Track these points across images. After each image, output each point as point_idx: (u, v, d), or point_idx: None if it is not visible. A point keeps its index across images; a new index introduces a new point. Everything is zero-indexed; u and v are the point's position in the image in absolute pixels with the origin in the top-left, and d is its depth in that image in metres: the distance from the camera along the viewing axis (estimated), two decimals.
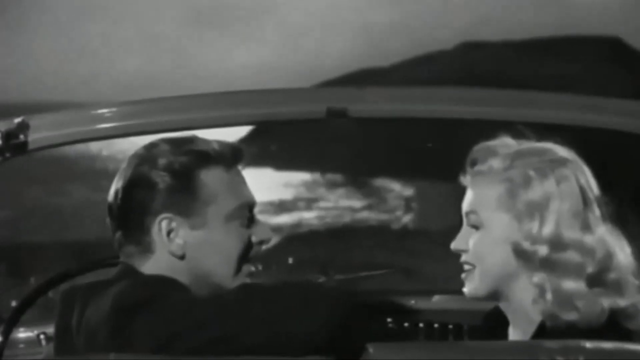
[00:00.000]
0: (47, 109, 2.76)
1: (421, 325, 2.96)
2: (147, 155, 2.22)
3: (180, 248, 2.18)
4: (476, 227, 2.26)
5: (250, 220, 2.24)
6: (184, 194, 2.18)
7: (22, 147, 2.60)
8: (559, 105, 2.74)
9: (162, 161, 2.19)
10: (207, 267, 2.19)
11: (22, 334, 3.09)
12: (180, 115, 2.71)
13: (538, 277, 2.18)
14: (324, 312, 2.07)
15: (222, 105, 2.76)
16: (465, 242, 2.27)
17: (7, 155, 2.59)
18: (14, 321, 2.89)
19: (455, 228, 2.31)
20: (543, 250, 2.18)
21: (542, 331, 2.19)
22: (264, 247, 2.27)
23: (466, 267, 2.27)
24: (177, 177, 2.18)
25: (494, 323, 2.33)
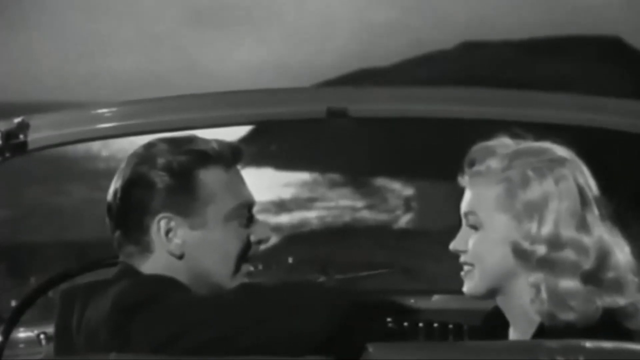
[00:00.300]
0: (47, 109, 2.76)
1: (421, 325, 2.96)
2: (146, 155, 2.22)
3: (178, 248, 2.18)
4: (475, 227, 2.26)
5: (249, 220, 2.24)
6: (182, 194, 2.18)
7: (22, 147, 2.60)
8: (558, 105, 2.74)
9: (161, 161, 2.19)
10: (205, 266, 2.19)
11: (22, 333, 3.09)
12: (180, 115, 2.71)
13: (535, 277, 2.18)
14: (323, 312, 2.07)
15: (222, 105, 2.76)
16: (465, 242, 2.27)
17: (7, 155, 2.59)
18: (14, 321, 2.89)
19: (455, 228, 2.31)
20: (542, 249, 2.18)
21: (542, 331, 2.19)
22: (262, 246, 2.27)
23: (466, 267, 2.27)
24: (176, 177, 2.18)
25: (494, 323, 2.34)
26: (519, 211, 2.20)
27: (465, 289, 2.28)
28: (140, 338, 2.01)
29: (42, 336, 3.07)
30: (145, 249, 2.19)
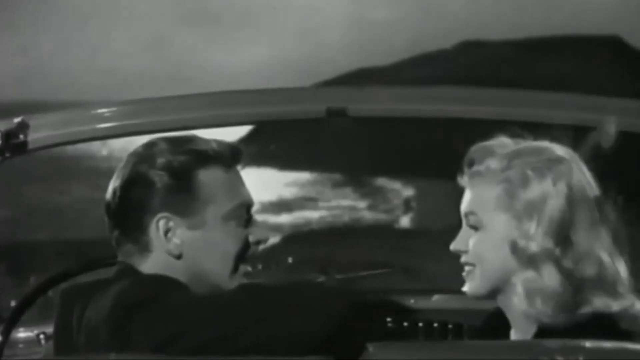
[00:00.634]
0: (47, 109, 2.76)
1: (421, 324, 2.96)
2: (145, 154, 2.22)
3: (177, 248, 2.18)
4: (475, 227, 2.25)
5: (248, 220, 2.24)
6: (182, 194, 2.18)
7: (22, 147, 2.61)
8: (558, 105, 2.74)
9: (160, 160, 2.19)
10: (204, 266, 2.19)
11: (22, 333, 3.09)
12: (180, 115, 2.71)
13: (529, 276, 2.18)
14: (323, 312, 2.07)
15: (222, 105, 2.76)
16: (465, 242, 2.26)
17: (7, 155, 2.59)
18: (13, 321, 2.90)
19: (455, 228, 2.31)
20: (534, 247, 2.18)
21: (543, 331, 2.19)
22: (261, 247, 2.27)
23: (467, 267, 2.27)
24: (176, 177, 2.18)
25: (495, 323, 2.33)
26: (519, 211, 2.20)
27: (467, 289, 2.27)
28: (140, 338, 2.01)
29: (41, 336, 3.07)
30: (144, 248, 2.19)
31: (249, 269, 2.24)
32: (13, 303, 2.96)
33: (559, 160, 2.23)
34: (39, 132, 2.62)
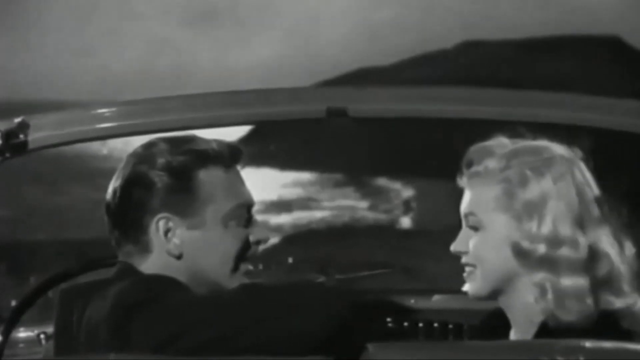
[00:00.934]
0: (47, 109, 2.76)
1: (421, 324, 2.96)
2: (145, 155, 2.22)
3: (177, 248, 2.18)
4: (475, 228, 2.25)
5: (248, 221, 2.24)
6: (182, 194, 2.18)
7: (22, 147, 2.60)
8: (558, 105, 2.74)
9: (160, 160, 2.19)
10: (204, 266, 2.19)
11: (22, 333, 3.09)
12: (180, 115, 2.71)
13: (539, 277, 2.18)
14: (323, 312, 2.07)
15: (222, 105, 2.76)
16: (465, 243, 2.26)
17: (7, 155, 2.59)
18: (14, 321, 2.90)
19: (455, 227, 2.31)
20: (542, 249, 2.17)
21: (544, 331, 2.19)
22: (261, 247, 2.27)
23: (467, 268, 2.27)
24: (176, 177, 2.18)
25: (495, 323, 2.33)
26: (519, 211, 2.20)
27: (468, 290, 2.27)
28: (140, 338, 2.01)
29: (42, 336, 3.07)
30: (144, 248, 2.19)
31: (250, 267, 2.24)
32: (13, 303, 2.96)
33: (558, 159, 2.23)
34: (39, 132, 2.62)
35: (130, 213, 2.19)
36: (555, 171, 2.21)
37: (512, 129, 2.32)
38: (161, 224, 2.17)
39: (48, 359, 2.96)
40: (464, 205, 2.28)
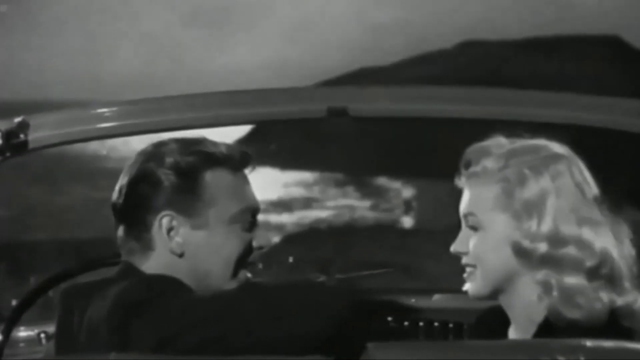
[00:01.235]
0: (48, 108, 2.76)
1: (421, 324, 2.96)
2: (155, 153, 2.23)
3: (179, 246, 2.18)
4: (475, 228, 2.25)
5: (252, 225, 2.25)
6: (187, 194, 2.19)
7: (23, 147, 2.61)
8: (558, 105, 2.74)
9: (169, 159, 2.21)
10: (205, 267, 2.19)
11: (23, 332, 3.09)
12: (180, 115, 2.71)
13: (542, 275, 2.18)
14: (324, 312, 2.07)
15: (222, 105, 2.76)
16: (465, 244, 2.26)
17: (8, 154, 2.59)
18: (14, 320, 2.90)
19: (455, 227, 2.31)
20: (543, 247, 2.17)
21: (544, 330, 2.19)
22: (262, 251, 2.28)
23: (468, 268, 2.27)
24: (182, 176, 2.19)
25: (492, 321, 2.33)
26: (518, 210, 2.20)
27: (469, 290, 2.27)
28: (141, 337, 2.01)
29: (42, 335, 3.07)
30: (147, 246, 2.20)
31: (249, 275, 2.25)
32: (14, 302, 2.97)
33: (556, 157, 2.23)
34: (40, 132, 2.62)
35: (135, 209, 2.20)
36: (553, 169, 2.21)
37: (510, 128, 2.31)
38: (165, 221, 2.18)
39: (48, 358, 2.96)
40: (463, 205, 2.28)
